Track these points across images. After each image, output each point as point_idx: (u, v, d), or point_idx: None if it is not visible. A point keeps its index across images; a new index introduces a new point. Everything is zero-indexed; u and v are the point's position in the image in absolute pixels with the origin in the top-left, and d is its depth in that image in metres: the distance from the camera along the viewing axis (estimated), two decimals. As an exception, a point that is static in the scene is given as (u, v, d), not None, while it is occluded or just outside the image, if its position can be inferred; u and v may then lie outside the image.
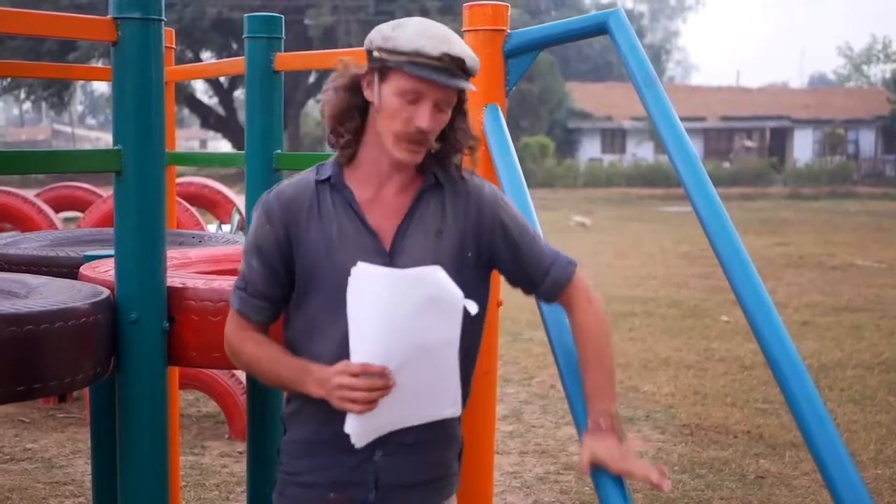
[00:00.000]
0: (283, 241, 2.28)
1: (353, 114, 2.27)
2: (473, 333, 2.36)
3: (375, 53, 2.20)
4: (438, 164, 2.34)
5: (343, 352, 2.18)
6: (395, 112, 2.19)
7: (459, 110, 2.30)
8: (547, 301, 2.45)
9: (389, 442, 2.27)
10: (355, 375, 2.10)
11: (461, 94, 2.27)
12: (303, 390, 2.23)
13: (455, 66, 2.17)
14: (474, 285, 2.34)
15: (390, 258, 2.26)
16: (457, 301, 2.11)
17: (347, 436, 2.19)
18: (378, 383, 2.09)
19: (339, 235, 2.26)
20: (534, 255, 2.40)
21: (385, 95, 2.20)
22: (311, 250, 2.26)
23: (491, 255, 2.38)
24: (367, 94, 2.24)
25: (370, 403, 2.11)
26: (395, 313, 2.07)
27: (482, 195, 2.37)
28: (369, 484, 2.30)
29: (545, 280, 2.39)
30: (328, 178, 2.30)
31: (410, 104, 2.18)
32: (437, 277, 2.10)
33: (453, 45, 2.18)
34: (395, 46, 2.16)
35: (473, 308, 2.13)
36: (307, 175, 2.34)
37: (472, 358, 2.41)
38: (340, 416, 2.18)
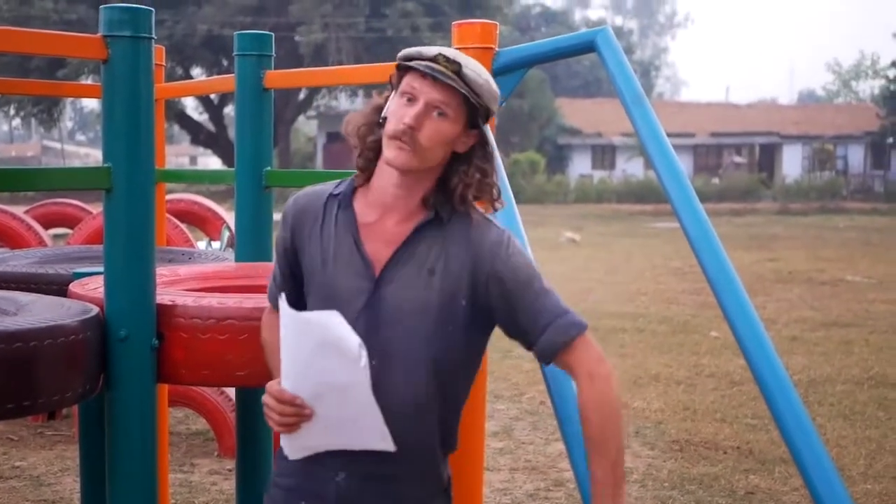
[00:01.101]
0: (290, 246, 2.38)
1: (375, 128, 2.31)
2: (457, 383, 2.36)
3: (395, 69, 2.30)
4: (445, 200, 2.30)
5: None
6: (392, 112, 2.25)
7: (481, 150, 2.31)
8: (545, 364, 2.37)
9: (354, 467, 2.27)
10: (276, 399, 2.21)
11: (482, 134, 2.29)
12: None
13: (449, 69, 2.21)
14: (468, 334, 2.31)
15: (378, 286, 2.26)
16: (354, 348, 2.11)
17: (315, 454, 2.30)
18: (288, 410, 2.20)
19: (334, 252, 2.29)
20: (533, 311, 2.29)
21: (392, 102, 2.28)
22: (309, 260, 2.34)
23: (488, 307, 2.31)
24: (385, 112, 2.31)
25: (286, 426, 2.23)
26: (298, 351, 2.18)
27: (482, 243, 2.30)
28: (332, 502, 2.30)
29: (539, 341, 2.29)
30: (340, 194, 2.35)
31: (406, 105, 2.23)
32: (332, 323, 2.12)
33: (454, 52, 2.24)
34: (404, 55, 2.27)
35: (363, 360, 2.12)
36: (328, 185, 2.41)
37: (452, 404, 2.37)
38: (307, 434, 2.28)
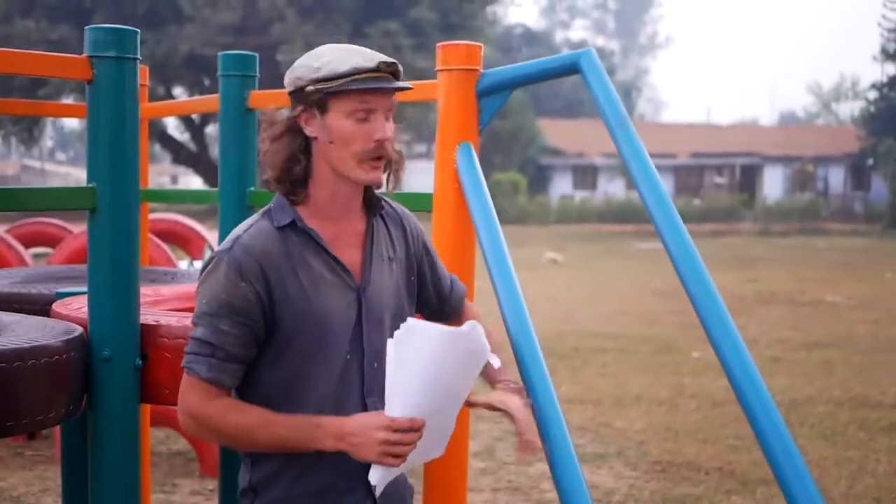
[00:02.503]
0: (265, 297, 2.18)
1: (299, 157, 2.24)
2: None
3: (309, 88, 2.19)
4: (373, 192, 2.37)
5: (340, 393, 2.24)
6: (349, 135, 2.19)
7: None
8: (449, 316, 2.59)
9: (371, 492, 2.27)
10: (409, 429, 2.09)
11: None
12: (311, 447, 2.17)
13: (390, 73, 2.22)
14: (413, 308, 2.48)
15: (362, 292, 2.29)
16: (486, 354, 2.18)
17: (334, 486, 2.25)
18: (416, 437, 2.11)
19: (316, 279, 2.24)
20: (443, 273, 2.58)
21: (333, 124, 2.20)
22: (293, 299, 2.20)
23: (421, 278, 2.51)
24: (307, 131, 2.23)
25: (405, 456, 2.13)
26: (441, 368, 2.08)
27: (410, 221, 2.49)
28: None
29: (451, 295, 2.60)
30: (291, 223, 2.25)
31: (362, 122, 2.19)
32: (478, 332, 2.13)
33: (380, 55, 2.22)
34: (332, 72, 2.17)
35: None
36: (260, 223, 2.26)
37: None
38: (325, 467, 2.23)
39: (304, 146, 2.24)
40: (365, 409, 2.25)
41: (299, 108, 2.22)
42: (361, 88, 2.16)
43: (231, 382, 2.21)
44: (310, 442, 2.16)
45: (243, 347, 2.19)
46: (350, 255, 2.30)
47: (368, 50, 2.23)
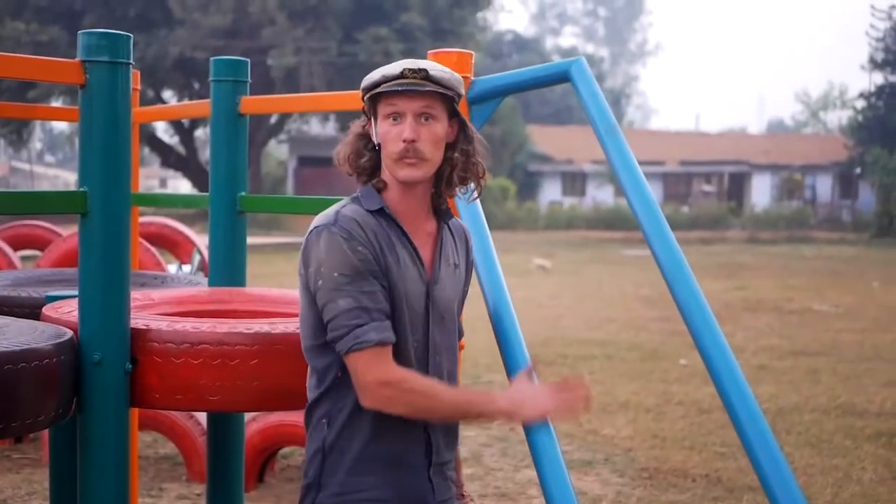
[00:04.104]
0: (380, 258, 2.34)
1: (363, 151, 2.44)
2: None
3: (365, 99, 2.41)
4: (444, 188, 2.49)
5: (420, 364, 2.40)
6: (386, 135, 2.38)
7: (463, 134, 2.47)
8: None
9: (435, 462, 2.46)
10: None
11: (461, 120, 2.45)
12: (488, 409, 2.41)
13: (419, 77, 2.35)
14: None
15: (431, 286, 2.45)
16: None
17: (401, 452, 2.40)
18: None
19: (402, 262, 2.39)
20: (461, 305, 2.63)
21: (378, 128, 2.39)
22: (389, 271, 2.36)
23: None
24: (373, 138, 2.42)
25: None
26: None
27: (469, 237, 2.63)
28: (432, 502, 2.45)
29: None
30: (380, 209, 2.41)
31: (395, 125, 2.36)
32: None
33: (414, 62, 2.39)
34: (370, 82, 2.39)
35: None
36: (351, 205, 2.41)
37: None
38: (391, 433, 2.38)
39: (371, 146, 2.44)
40: None
41: (366, 119, 2.47)
42: (386, 91, 2.36)
43: (392, 340, 2.32)
44: (488, 405, 2.40)
45: (387, 301, 2.34)
46: (424, 251, 2.46)
47: (410, 59, 2.42)
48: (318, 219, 2.39)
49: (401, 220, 2.43)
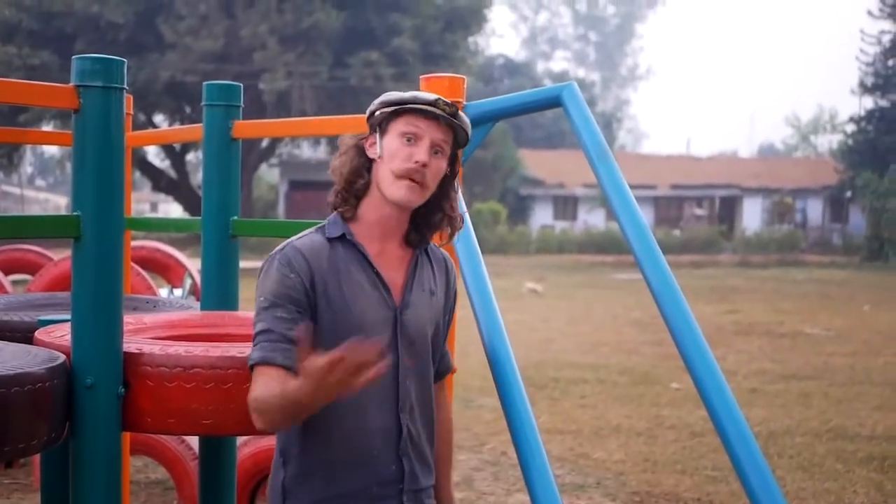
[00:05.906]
0: (310, 290, 2.34)
1: (362, 172, 2.43)
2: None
3: (378, 112, 2.41)
4: (425, 229, 2.50)
5: (367, 405, 2.36)
6: (395, 151, 2.38)
7: (451, 182, 2.50)
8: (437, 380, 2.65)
9: (408, 489, 2.43)
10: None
11: (453, 166, 2.48)
12: (296, 396, 2.12)
13: (448, 112, 2.38)
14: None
15: (400, 312, 2.43)
16: None
17: (367, 491, 2.36)
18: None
19: (356, 290, 2.38)
20: (445, 338, 2.66)
21: (386, 143, 2.40)
22: (333, 304, 2.36)
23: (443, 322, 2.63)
24: (369, 152, 2.43)
25: None
26: None
27: (452, 271, 2.61)
28: None
29: (440, 363, 2.62)
30: (342, 236, 2.42)
31: (410, 144, 2.38)
32: None
33: (444, 99, 2.41)
34: (396, 98, 2.40)
35: None
36: (311, 235, 2.44)
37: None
38: (360, 472, 2.36)
39: (367, 165, 2.44)
40: (398, 424, 2.40)
41: (367, 132, 2.47)
42: (414, 108, 2.37)
43: (283, 361, 2.29)
44: (295, 392, 2.14)
45: (305, 330, 2.26)
46: (392, 276, 2.46)
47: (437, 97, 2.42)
48: (278, 247, 2.44)
49: (366, 246, 2.44)
